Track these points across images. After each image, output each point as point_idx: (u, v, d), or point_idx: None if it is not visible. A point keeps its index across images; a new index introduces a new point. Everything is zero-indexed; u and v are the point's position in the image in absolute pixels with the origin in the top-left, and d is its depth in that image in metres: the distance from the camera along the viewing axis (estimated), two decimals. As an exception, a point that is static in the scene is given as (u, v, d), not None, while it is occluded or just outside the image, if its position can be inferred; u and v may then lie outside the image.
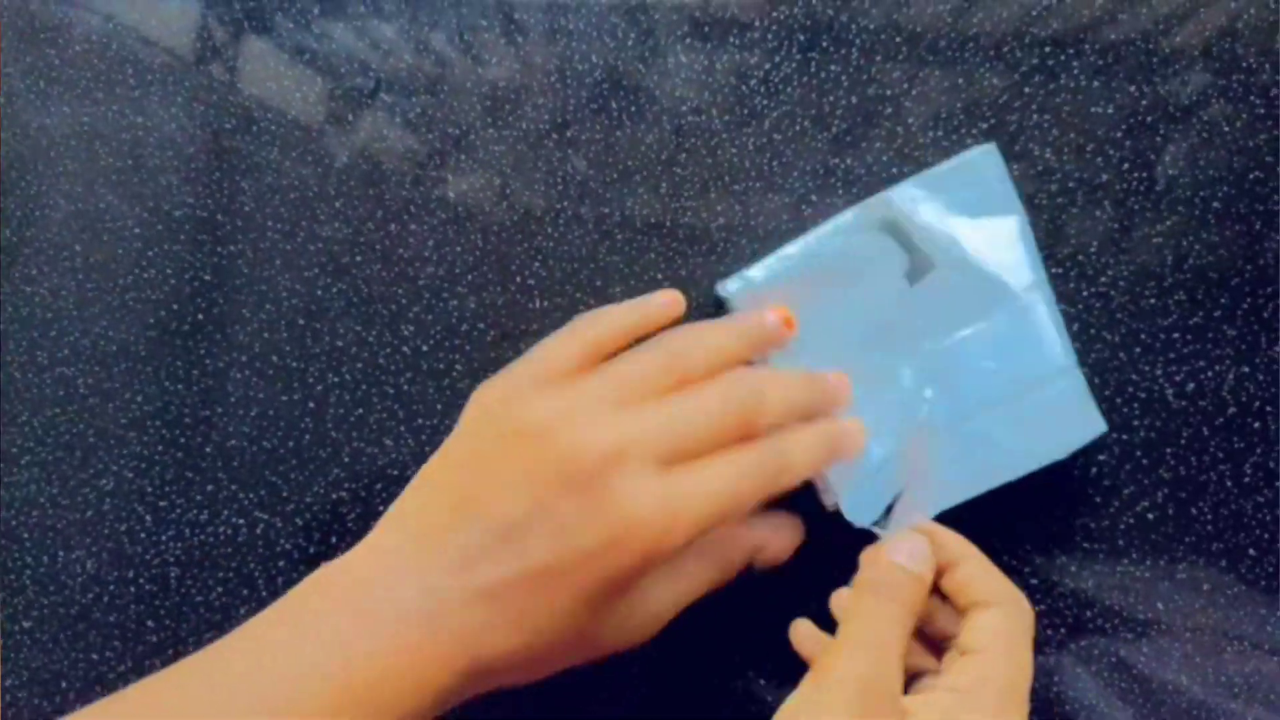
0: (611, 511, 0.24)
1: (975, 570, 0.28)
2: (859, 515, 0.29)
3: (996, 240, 0.30)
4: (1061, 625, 0.32)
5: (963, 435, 0.30)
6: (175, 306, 0.35)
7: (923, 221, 0.30)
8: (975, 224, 0.30)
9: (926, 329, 0.30)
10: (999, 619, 0.27)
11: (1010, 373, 0.30)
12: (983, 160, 0.31)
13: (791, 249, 0.31)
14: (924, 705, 0.25)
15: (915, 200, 0.30)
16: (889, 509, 0.29)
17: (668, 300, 0.30)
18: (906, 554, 0.27)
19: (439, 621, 0.24)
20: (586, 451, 0.24)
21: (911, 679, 0.28)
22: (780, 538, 0.30)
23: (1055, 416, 0.30)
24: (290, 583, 0.34)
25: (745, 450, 0.26)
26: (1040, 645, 0.32)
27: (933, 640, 0.29)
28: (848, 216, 0.31)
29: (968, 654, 0.26)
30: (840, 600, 0.28)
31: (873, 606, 0.26)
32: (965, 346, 0.30)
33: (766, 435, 0.27)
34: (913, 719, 0.24)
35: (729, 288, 0.31)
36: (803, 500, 0.30)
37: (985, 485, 0.30)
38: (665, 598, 0.27)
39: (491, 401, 0.27)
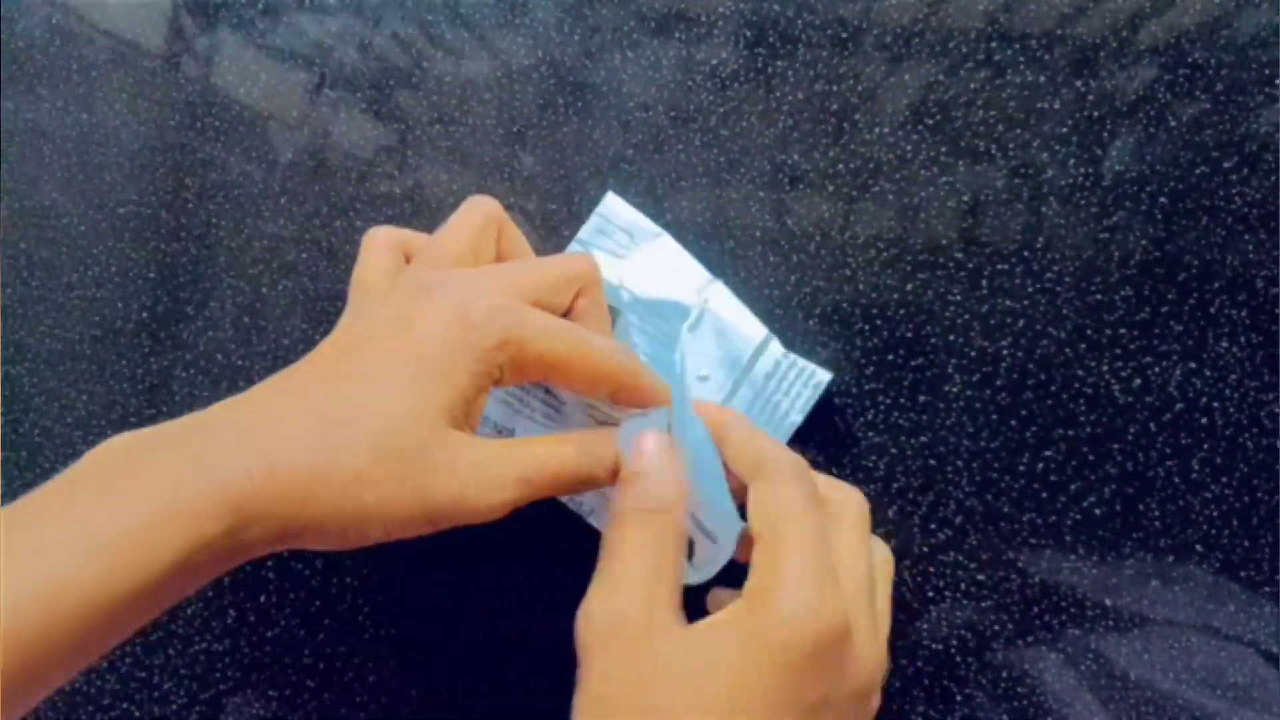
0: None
1: (739, 439, 0.27)
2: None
3: (657, 266, 0.32)
4: (1010, 621, 0.32)
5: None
6: (120, 305, 0.34)
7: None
8: (634, 262, 0.32)
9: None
10: (771, 494, 0.25)
11: (725, 369, 0.31)
12: (610, 209, 0.33)
13: None
14: (707, 631, 0.23)
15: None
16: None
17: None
18: (650, 446, 0.25)
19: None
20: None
21: None
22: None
23: (777, 385, 0.31)
24: (235, 581, 0.34)
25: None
26: (989, 641, 0.32)
27: None
28: None
29: (756, 543, 0.25)
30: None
31: (620, 522, 0.25)
32: (684, 370, 0.31)
33: None
34: (701, 635, 0.23)
35: None
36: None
37: None
38: (497, 455, 0.25)
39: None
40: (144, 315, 0.34)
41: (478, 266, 0.28)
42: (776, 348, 0.32)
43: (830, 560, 0.25)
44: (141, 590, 0.21)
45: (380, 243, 0.29)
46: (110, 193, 0.35)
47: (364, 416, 0.23)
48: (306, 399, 0.24)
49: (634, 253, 0.32)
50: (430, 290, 0.25)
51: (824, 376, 0.31)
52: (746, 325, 0.32)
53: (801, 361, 0.32)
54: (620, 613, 0.23)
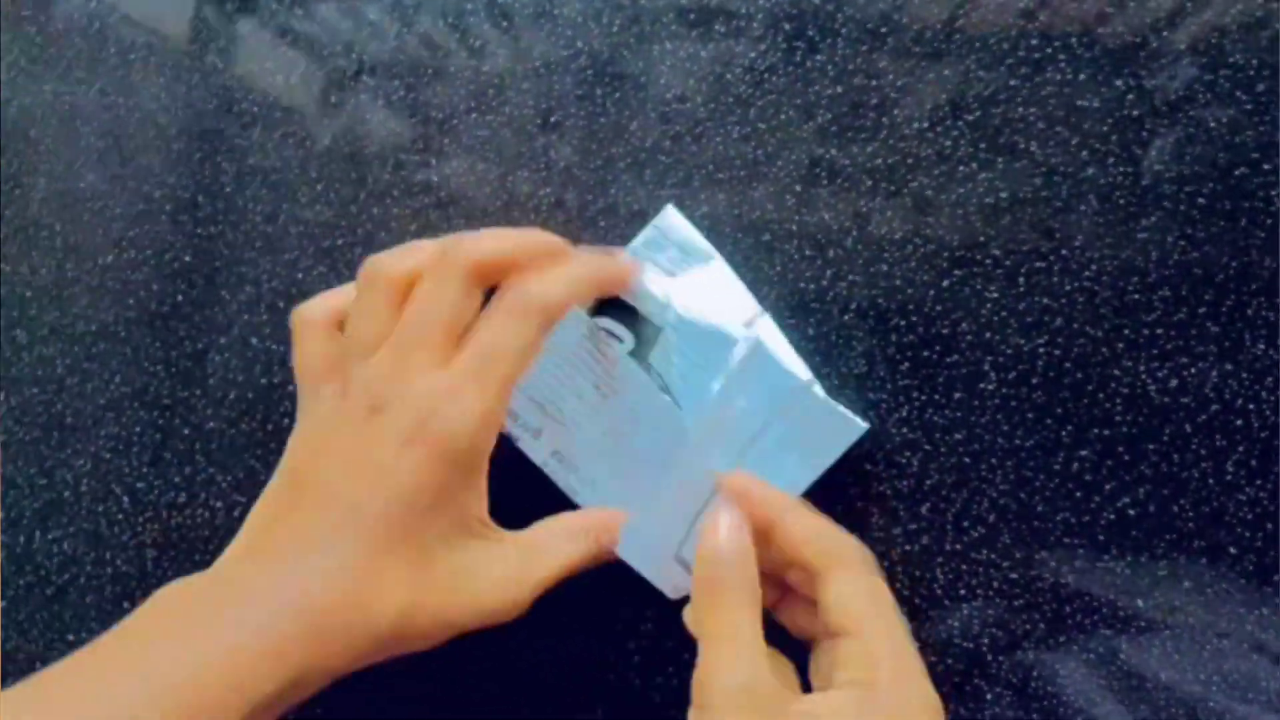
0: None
1: (802, 527, 0.27)
2: (676, 590, 0.30)
3: (707, 290, 0.32)
4: (1041, 621, 0.32)
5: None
6: (155, 287, 0.34)
7: (642, 291, 0.31)
8: (683, 282, 0.32)
9: (681, 396, 0.31)
10: (853, 587, 0.26)
11: (760, 405, 0.31)
12: (667, 223, 0.32)
13: None
14: (828, 708, 0.25)
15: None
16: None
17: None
18: (724, 533, 0.27)
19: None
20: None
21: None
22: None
23: (812, 430, 0.31)
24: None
25: (498, 310, 0.26)
26: (1020, 640, 0.32)
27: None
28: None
29: (844, 636, 0.26)
30: (687, 614, 0.28)
31: (715, 605, 0.26)
32: (719, 398, 0.31)
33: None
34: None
35: None
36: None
37: None
38: (512, 562, 0.27)
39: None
40: (179, 299, 0.34)
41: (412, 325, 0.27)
42: (818, 392, 0.31)
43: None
44: None
45: (311, 326, 0.29)
46: (147, 177, 0.35)
47: (386, 576, 0.25)
48: (324, 557, 0.25)
49: (685, 272, 0.32)
50: (382, 412, 0.26)
51: (860, 426, 0.31)
52: (791, 364, 0.31)
53: (841, 409, 0.31)
54: (754, 683, 0.25)
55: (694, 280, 0.32)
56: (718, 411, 0.30)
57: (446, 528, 0.26)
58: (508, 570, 0.27)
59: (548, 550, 0.28)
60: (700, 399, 0.29)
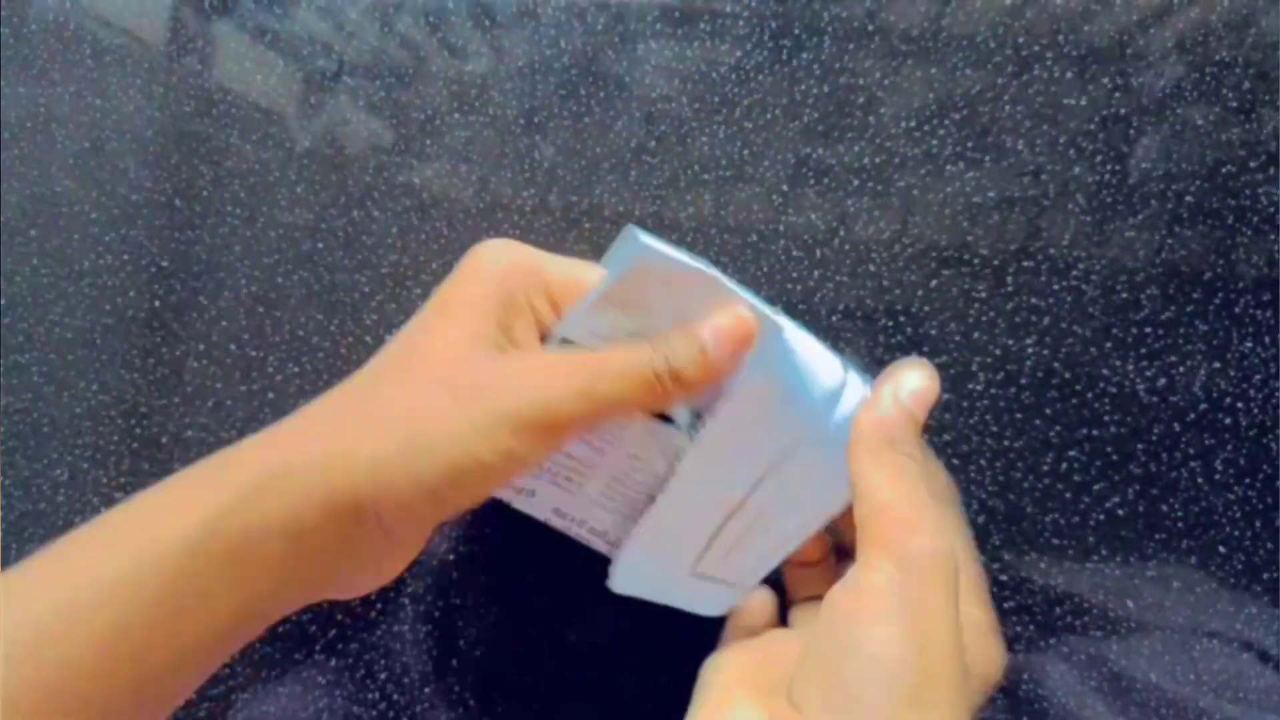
0: None
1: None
2: (717, 606, 0.29)
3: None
4: (1031, 622, 0.32)
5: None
6: (132, 293, 0.34)
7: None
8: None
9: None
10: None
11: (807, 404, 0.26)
12: (628, 247, 0.24)
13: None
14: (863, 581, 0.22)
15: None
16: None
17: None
18: (908, 396, 0.24)
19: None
20: None
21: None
22: None
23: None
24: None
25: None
26: (1010, 642, 0.32)
27: None
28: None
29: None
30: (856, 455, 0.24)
31: (897, 461, 0.23)
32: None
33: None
34: None
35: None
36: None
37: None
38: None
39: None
40: (156, 304, 0.34)
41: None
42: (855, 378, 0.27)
43: None
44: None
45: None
46: (123, 180, 0.34)
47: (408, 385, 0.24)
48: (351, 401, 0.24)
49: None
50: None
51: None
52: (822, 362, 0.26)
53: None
54: (953, 552, 0.22)
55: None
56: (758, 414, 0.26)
57: (481, 332, 0.24)
58: (551, 367, 0.24)
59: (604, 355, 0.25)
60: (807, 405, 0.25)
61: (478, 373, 0.23)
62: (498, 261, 0.25)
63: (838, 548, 0.29)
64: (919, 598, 0.21)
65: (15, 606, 0.20)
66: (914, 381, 0.24)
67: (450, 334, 0.24)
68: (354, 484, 0.22)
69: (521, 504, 0.27)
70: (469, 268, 0.25)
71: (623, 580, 0.28)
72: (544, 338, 0.26)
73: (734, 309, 0.24)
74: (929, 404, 0.24)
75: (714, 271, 0.24)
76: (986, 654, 0.25)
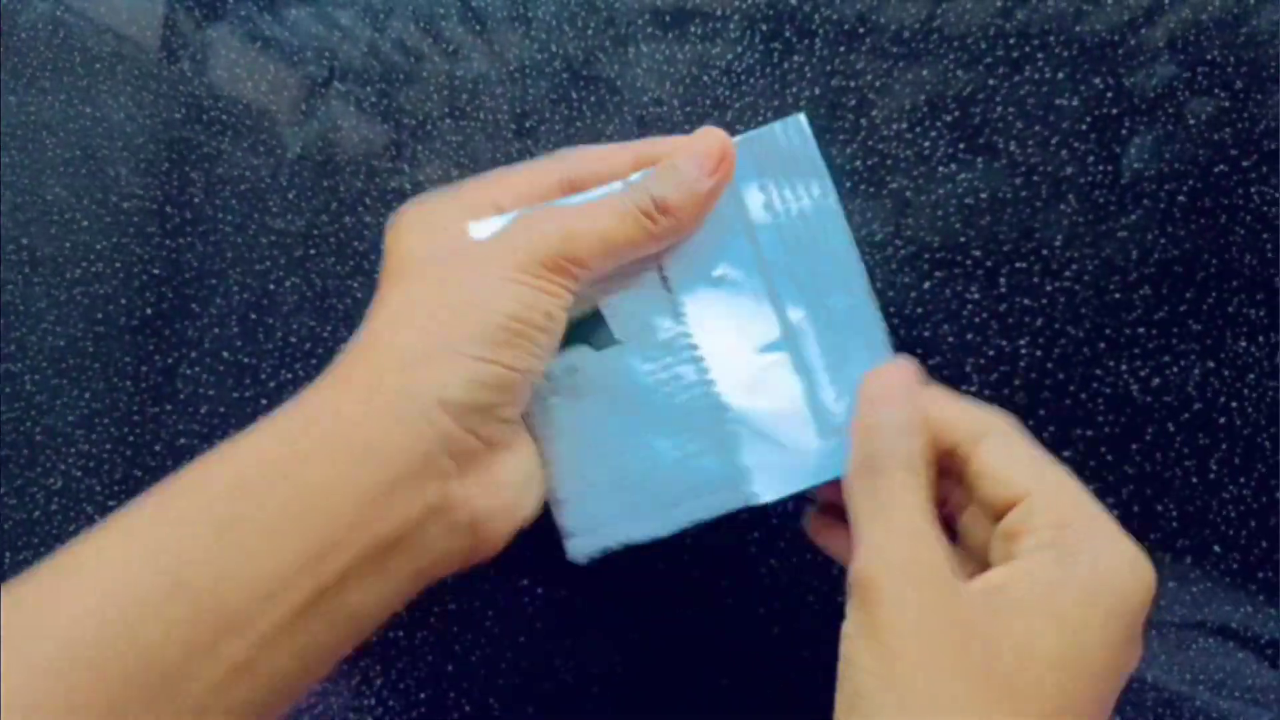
0: None
1: (946, 407, 0.24)
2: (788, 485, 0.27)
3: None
4: (1026, 623, 0.32)
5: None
6: (124, 301, 0.34)
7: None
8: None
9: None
10: (1012, 448, 0.23)
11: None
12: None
13: None
14: (1018, 577, 0.21)
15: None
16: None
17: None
18: (898, 395, 0.24)
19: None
20: None
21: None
22: None
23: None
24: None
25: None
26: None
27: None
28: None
29: (1014, 505, 0.22)
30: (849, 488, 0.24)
31: (874, 484, 0.23)
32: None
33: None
34: (1006, 593, 0.21)
35: None
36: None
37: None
38: None
39: None
40: (148, 312, 0.34)
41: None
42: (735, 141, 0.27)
43: None
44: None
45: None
46: (114, 187, 0.34)
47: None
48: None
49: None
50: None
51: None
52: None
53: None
54: (921, 557, 0.21)
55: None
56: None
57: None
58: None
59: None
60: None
61: (484, 244, 0.24)
62: (420, 223, 0.26)
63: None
64: (873, 625, 0.21)
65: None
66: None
67: (439, 235, 0.25)
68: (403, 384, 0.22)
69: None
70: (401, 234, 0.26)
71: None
72: None
73: (705, 132, 0.25)
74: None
75: None
76: (1106, 568, 0.22)
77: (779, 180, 0.27)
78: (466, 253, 0.25)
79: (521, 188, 0.26)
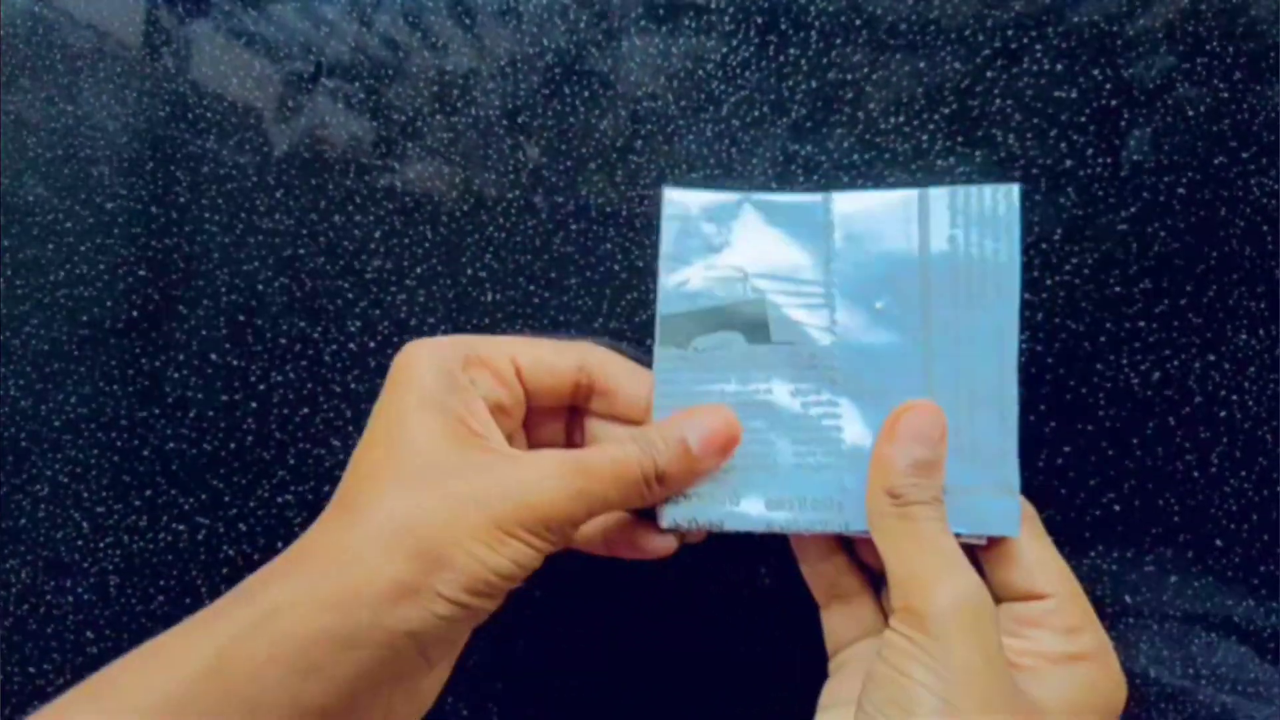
0: None
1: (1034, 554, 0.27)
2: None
3: (765, 229, 0.29)
4: (1028, 620, 0.31)
5: None
6: (109, 303, 0.33)
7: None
8: (739, 245, 0.29)
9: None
10: (1049, 551, 0.27)
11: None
12: (675, 205, 0.29)
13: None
14: (1053, 687, 0.25)
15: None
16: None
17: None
18: (920, 440, 0.26)
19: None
20: None
21: None
22: None
23: (966, 234, 0.28)
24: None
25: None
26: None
27: None
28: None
29: (1039, 600, 0.26)
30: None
31: (912, 527, 0.25)
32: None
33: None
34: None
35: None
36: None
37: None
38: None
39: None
40: (134, 314, 0.33)
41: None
42: (939, 193, 0.28)
43: None
44: None
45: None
46: (98, 187, 0.33)
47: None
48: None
49: (733, 235, 0.29)
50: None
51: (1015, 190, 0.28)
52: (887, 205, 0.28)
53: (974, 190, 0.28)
54: (981, 598, 0.23)
55: (747, 233, 0.29)
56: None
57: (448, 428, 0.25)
58: (537, 461, 0.25)
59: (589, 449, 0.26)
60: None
61: (470, 478, 0.24)
62: (425, 354, 0.26)
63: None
64: (944, 655, 0.22)
65: None
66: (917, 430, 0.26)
67: (420, 438, 0.24)
68: (375, 618, 0.22)
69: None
70: (402, 370, 0.26)
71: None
72: (496, 409, 0.26)
73: (721, 411, 0.26)
74: (936, 442, 0.26)
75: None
76: (1101, 683, 0.26)
77: (969, 232, 0.28)
78: (467, 479, 0.24)
79: (545, 355, 0.27)
